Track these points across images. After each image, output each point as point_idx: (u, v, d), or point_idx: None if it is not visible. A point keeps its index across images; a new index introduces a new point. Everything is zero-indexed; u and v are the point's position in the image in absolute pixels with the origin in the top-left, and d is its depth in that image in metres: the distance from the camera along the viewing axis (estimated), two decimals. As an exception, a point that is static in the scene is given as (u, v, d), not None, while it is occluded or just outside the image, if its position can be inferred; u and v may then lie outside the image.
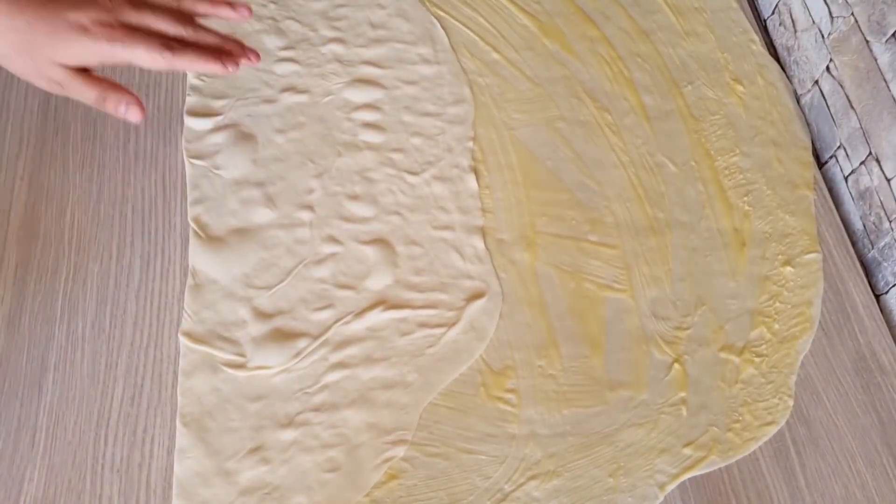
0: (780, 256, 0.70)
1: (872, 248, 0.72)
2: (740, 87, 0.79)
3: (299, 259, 0.62)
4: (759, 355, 0.66)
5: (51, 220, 0.62)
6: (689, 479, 0.60)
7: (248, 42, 0.71)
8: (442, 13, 0.77)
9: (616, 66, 0.78)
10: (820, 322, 0.68)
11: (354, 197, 0.66)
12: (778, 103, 0.79)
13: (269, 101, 0.68)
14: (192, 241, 0.62)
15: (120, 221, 0.63)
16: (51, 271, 0.60)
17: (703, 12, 0.83)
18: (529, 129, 0.73)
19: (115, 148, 0.66)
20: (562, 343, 0.64)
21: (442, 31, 0.76)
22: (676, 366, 0.64)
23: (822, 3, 0.76)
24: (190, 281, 0.60)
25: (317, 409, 0.57)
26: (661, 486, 0.59)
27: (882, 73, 0.68)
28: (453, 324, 0.62)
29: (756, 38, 0.83)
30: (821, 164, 0.79)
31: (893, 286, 0.70)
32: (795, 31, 0.81)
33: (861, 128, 0.72)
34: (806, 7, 0.79)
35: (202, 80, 0.69)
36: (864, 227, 0.73)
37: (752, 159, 0.75)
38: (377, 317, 0.61)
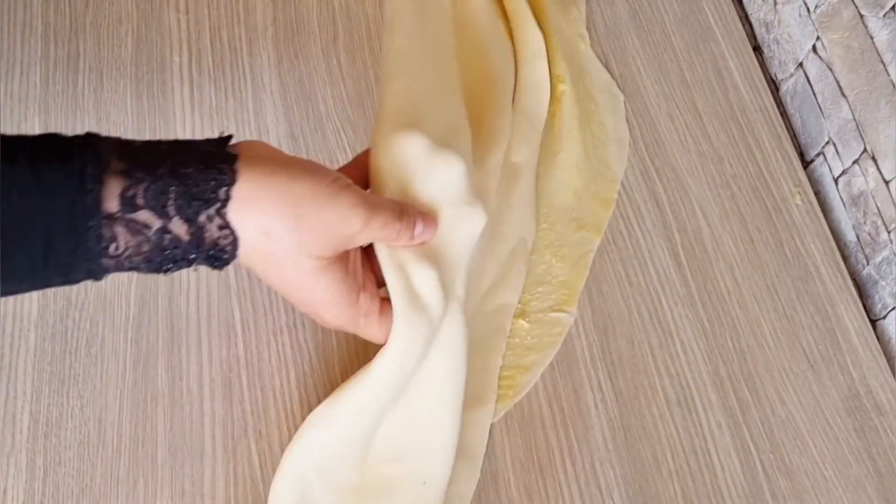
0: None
1: (868, 263, 0.70)
2: None
3: None
4: None
5: None
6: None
7: None
8: None
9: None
10: (806, 354, 0.65)
11: None
12: None
13: None
14: None
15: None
16: None
17: None
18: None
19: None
20: None
21: None
22: None
23: (808, -32, 0.73)
24: None
25: None
26: None
27: (879, 54, 0.66)
28: None
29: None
30: (806, 164, 0.77)
31: (892, 309, 0.67)
32: (775, 3, 0.78)
33: (854, 119, 0.70)
34: (788, -26, 0.76)
35: None
36: (858, 238, 0.71)
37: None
38: None
